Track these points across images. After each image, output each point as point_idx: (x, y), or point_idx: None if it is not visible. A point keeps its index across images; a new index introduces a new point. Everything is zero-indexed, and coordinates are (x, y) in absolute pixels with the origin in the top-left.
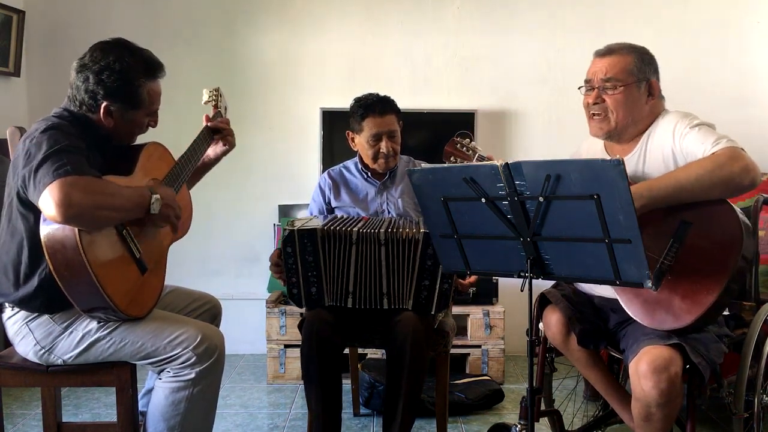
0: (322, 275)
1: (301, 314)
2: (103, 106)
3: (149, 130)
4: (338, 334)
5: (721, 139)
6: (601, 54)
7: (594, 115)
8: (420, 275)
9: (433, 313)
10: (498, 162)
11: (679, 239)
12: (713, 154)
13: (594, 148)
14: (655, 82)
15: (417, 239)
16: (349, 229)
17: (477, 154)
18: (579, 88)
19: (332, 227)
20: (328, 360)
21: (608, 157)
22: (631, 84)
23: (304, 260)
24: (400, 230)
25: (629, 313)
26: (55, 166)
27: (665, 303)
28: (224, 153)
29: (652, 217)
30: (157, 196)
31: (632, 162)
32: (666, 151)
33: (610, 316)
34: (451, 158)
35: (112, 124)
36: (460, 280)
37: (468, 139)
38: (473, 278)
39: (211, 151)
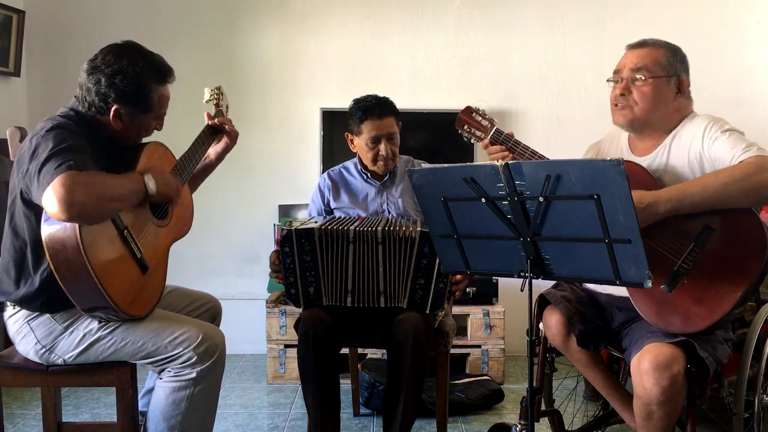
0: (320, 275)
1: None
2: (113, 109)
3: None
4: (335, 334)
5: (751, 146)
6: (633, 46)
7: (618, 104)
8: (415, 274)
9: (427, 312)
10: (498, 162)
11: (700, 244)
12: (742, 162)
13: (616, 143)
14: (685, 79)
15: (414, 238)
16: (346, 228)
17: (495, 128)
18: (607, 81)
19: (329, 227)
20: (324, 360)
21: (629, 153)
22: (660, 77)
23: (302, 260)
24: (398, 228)
25: (638, 310)
26: (58, 163)
27: (677, 306)
28: (225, 150)
29: (675, 217)
30: (149, 175)
31: (655, 160)
32: (693, 152)
33: (615, 314)
34: (465, 126)
35: (121, 127)
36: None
37: (484, 110)
38: (458, 277)
39: (212, 150)
